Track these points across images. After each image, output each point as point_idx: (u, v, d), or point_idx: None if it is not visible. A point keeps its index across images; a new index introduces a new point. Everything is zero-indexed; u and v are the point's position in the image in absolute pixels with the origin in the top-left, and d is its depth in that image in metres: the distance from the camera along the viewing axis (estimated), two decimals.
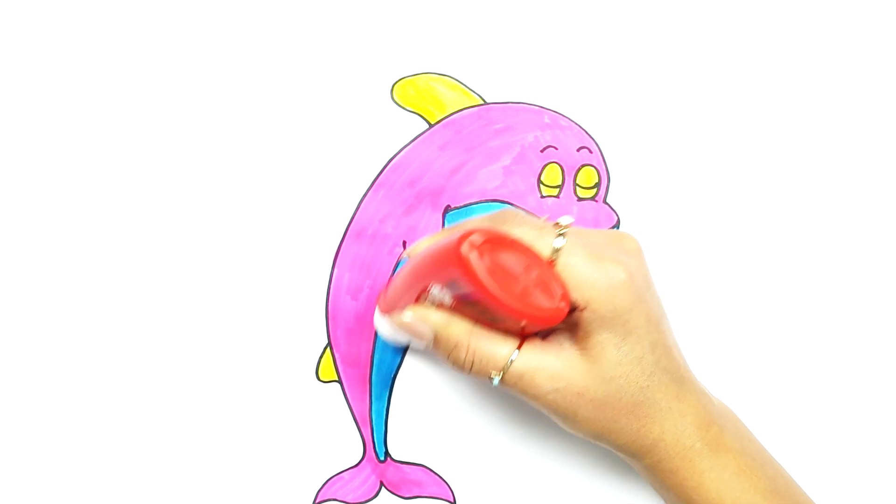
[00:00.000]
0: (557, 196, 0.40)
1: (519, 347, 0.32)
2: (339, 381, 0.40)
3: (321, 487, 0.40)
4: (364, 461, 0.40)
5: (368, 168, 0.40)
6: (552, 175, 0.40)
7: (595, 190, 0.40)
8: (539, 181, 0.40)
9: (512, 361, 0.32)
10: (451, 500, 0.40)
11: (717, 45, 0.41)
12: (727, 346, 0.41)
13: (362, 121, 0.40)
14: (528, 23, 0.41)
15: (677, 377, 0.33)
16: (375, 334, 0.40)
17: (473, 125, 0.40)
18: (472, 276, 0.29)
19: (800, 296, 0.41)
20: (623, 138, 0.41)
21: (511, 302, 0.29)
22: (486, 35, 0.40)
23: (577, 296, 0.31)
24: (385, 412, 0.40)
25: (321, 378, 0.40)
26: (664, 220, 0.41)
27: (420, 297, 0.34)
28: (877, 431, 0.41)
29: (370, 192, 0.40)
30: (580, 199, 0.40)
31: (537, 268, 0.30)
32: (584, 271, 0.31)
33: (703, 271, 0.41)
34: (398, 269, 0.36)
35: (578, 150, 0.40)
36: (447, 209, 0.40)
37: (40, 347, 0.39)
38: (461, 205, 0.40)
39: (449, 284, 0.32)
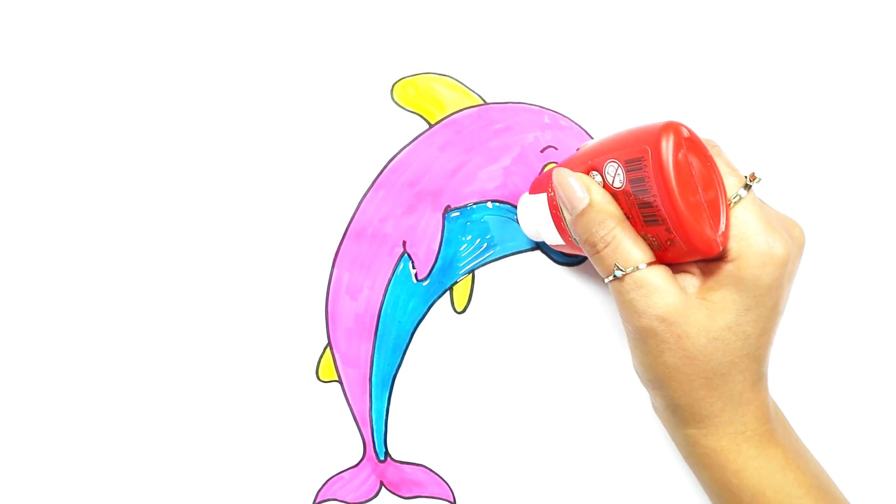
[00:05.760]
0: None
1: (650, 264, 0.31)
2: (339, 381, 0.40)
3: (321, 487, 0.40)
4: (364, 461, 0.40)
5: (368, 168, 0.40)
6: None
7: None
8: None
9: (640, 268, 0.31)
10: (451, 500, 0.40)
11: (716, 45, 0.41)
12: None
13: (362, 121, 0.40)
14: (528, 23, 0.40)
15: (760, 371, 0.33)
16: (375, 334, 0.40)
17: (473, 125, 0.40)
18: (660, 158, 0.29)
19: (802, 294, 0.41)
20: None
21: (679, 203, 0.29)
22: (486, 35, 0.40)
23: (734, 245, 0.31)
24: (385, 412, 0.40)
25: (321, 378, 0.40)
26: None
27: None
28: None
29: (370, 192, 0.40)
30: None
31: (715, 193, 0.30)
32: (752, 228, 0.31)
33: None
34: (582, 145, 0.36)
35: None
36: (447, 209, 0.40)
37: (41, 348, 0.39)
38: (461, 205, 0.40)
39: (629, 164, 0.31)
